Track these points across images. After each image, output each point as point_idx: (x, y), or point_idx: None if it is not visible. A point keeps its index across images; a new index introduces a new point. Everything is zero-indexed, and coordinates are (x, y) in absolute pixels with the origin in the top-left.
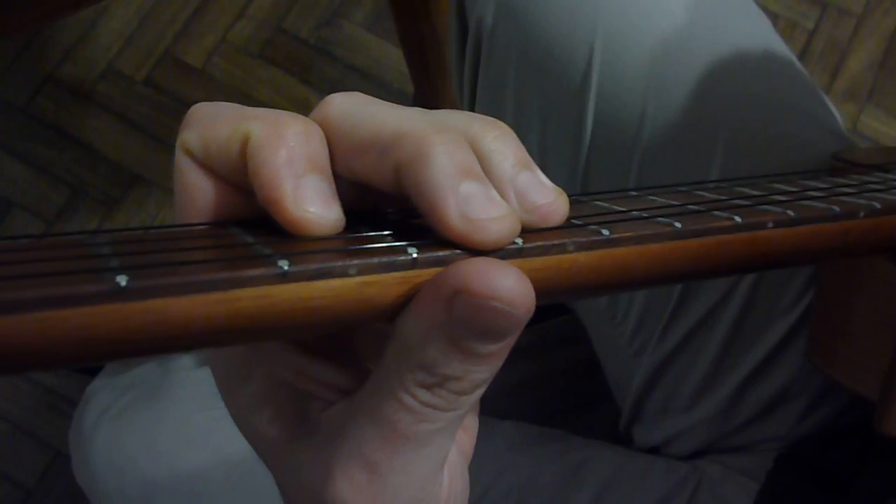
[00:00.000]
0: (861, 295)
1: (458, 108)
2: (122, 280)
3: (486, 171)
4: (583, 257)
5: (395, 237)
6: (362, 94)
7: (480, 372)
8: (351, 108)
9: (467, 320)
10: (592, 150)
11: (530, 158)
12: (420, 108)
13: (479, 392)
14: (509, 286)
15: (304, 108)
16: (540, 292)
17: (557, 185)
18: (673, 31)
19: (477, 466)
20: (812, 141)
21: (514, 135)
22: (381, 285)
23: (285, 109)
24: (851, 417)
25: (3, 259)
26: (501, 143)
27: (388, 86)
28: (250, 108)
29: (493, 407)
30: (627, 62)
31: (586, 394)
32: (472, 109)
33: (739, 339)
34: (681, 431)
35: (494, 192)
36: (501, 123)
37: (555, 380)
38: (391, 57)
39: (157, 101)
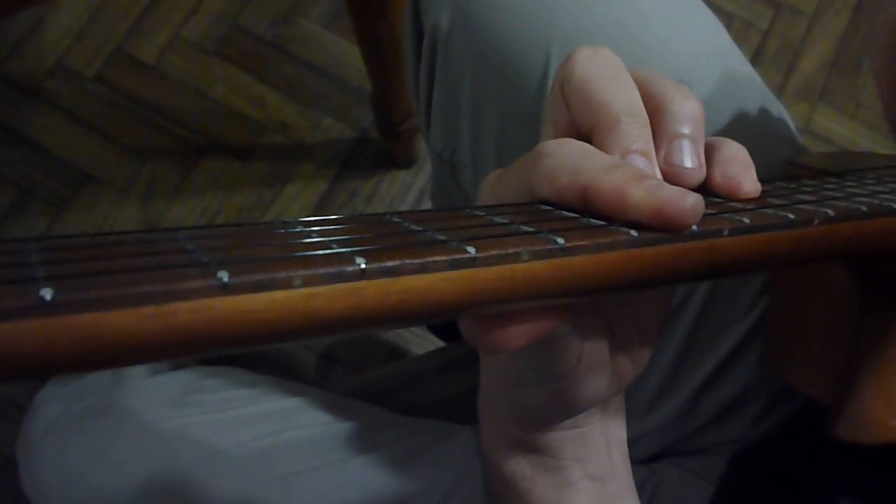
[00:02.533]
0: (815, 300)
1: (413, 110)
2: (47, 293)
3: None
4: (538, 266)
5: (343, 244)
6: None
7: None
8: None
9: None
10: None
11: (702, 137)
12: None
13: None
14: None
15: (261, 107)
16: (494, 302)
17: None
18: (628, 40)
19: (436, 473)
20: (766, 144)
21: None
22: (327, 297)
23: (242, 107)
24: (806, 419)
25: None
26: (683, 110)
27: (346, 84)
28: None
29: (450, 412)
30: None
31: None
32: (427, 113)
33: (696, 345)
34: (639, 436)
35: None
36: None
37: None
38: (349, 55)
39: (108, 99)
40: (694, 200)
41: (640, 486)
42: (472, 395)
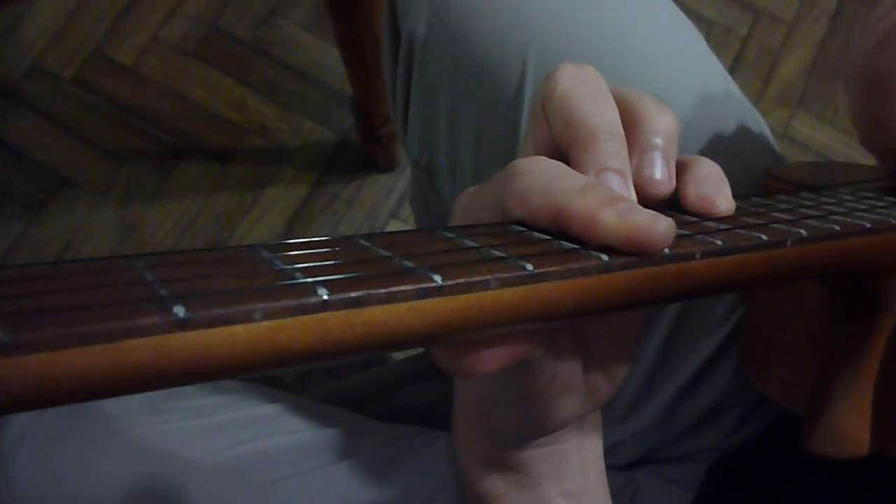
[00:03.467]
0: (790, 312)
1: (391, 114)
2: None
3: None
4: (507, 294)
5: (306, 273)
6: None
7: None
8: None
9: None
10: None
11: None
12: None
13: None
14: None
15: (241, 110)
16: (462, 331)
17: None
18: (604, 50)
19: (416, 480)
20: (743, 153)
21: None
22: (290, 331)
23: (222, 110)
24: (783, 427)
25: None
26: (657, 120)
27: (327, 87)
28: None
29: (431, 419)
30: None
31: None
32: (405, 117)
33: (673, 352)
34: (616, 443)
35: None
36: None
37: None
38: (330, 57)
39: (85, 101)
40: (665, 226)
41: (618, 494)
42: (451, 402)
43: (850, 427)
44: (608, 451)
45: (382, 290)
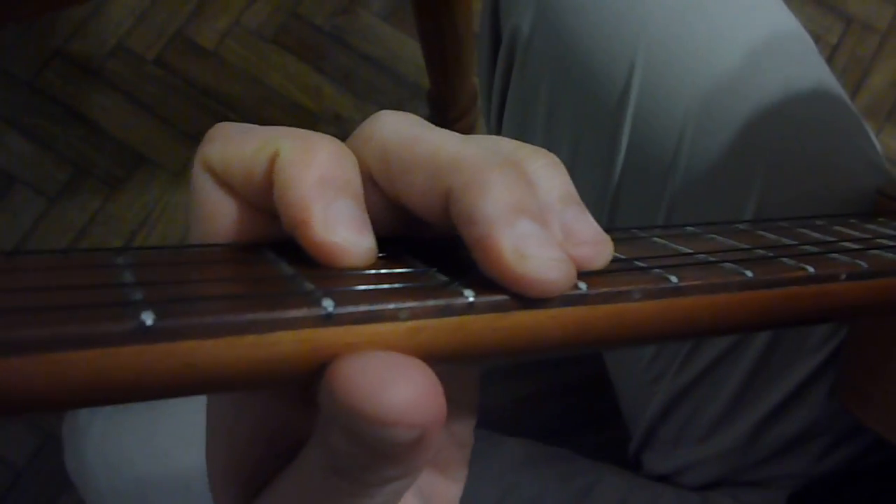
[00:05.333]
0: None
1: (477, 109)
2: (148, 318)
3: None
4: (648, 306)
5: (446, 272)
6: (414, 115)
7: (390, 471)
8: (405, 126)
9: (356, 436)
10: (625, 172)
11: (578, 195)
12: (473, 136)
13: (403, 483)
14: (403, 401)
15: (316, 97)
16: (596, 341)
17: (585, 202)
18: (720, 58)
19: (483, 485)
20: (855, 172)
21: (563, 167)
22: (433, 331)
23: (297, 97)
24: (874, 458)
25: (13, 283)
26: (550, 172)
27: (402, 78)
28: (279, 127)
29: (497, 421)
30: (669, 83)
31: (595, 414)
32: (499, 117)
33: (762, 376)
34: (694, 462)
35: (553, 237)
36: (551, 154)
37: (563, 396)
38: (407, 49)
39: (166, 82)
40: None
41: None
42: (518, 403)
43: None
44: (684, 471)
45: (517, 298)
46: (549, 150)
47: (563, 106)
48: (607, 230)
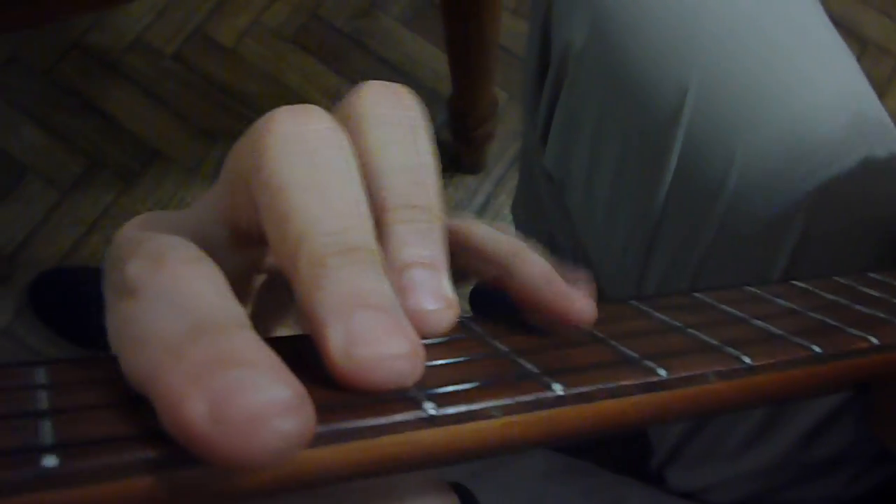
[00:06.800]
0: None
1: (496, 118)
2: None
3: (386, 253)
4: (723, 387)
5: (520, 354)
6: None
7: None
8: (300, 159)
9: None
10: (671, 194)
11: (443, 259)
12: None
13: None
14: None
15: (334, 99)
16: (669, 420)
17: (625, 225)
18: (772, 81)
19: (504, 498)
20: None
21: (440, 223)
22: (524, 425)
23: (315, 98)
24: None
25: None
26: (413, 228)
27: (420, 83)
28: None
29: None
30: (723, 107)
31: None
32: (545, 131)
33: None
34: (722, 481)
35: (399, 320)
36: (433, 204)
37: None
38: (425, 54)
39: (184, 78)
40: (280, 430)
41: None
42: None
43: None
44: (711, 488)
45: (612, 385)
46: (594, 166)
47: (611, 123)
48: (672, 294)
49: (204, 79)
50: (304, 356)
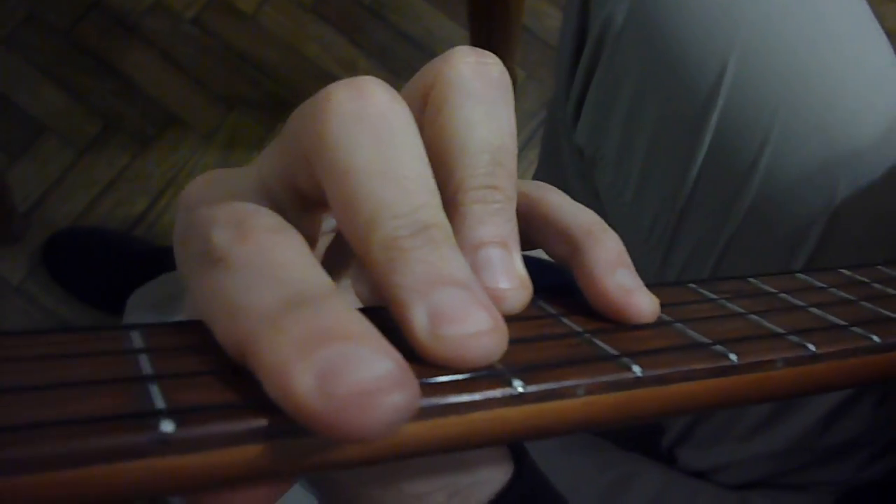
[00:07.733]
0: None
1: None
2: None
3: (457, 233)
4: (789, 374)
5: (600, 338)
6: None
7: None
8: (371, 145)
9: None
10: (702, 174)
11: (516, 238)
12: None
13: None
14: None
15: (351, 70)
16: (735, 404)
17: (654, 205)
18: (815, 62)
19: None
20: None
21: (513, 203)
22: (604, 405)
23: (332, 68)
24: None
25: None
26: (488, 209)
27: None
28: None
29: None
30: (759, 89)
31: None
32: (579, 108)
33: None
34: (733, 462)
35: (479, 296)
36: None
37: None
38: (445, 30)
39: (202, 43)
40: (391, 405)
41: None
42: None
43: None
44: (722, 468)
45: (685, 368)
46: (626, 144)
47: (646, 101)
48: (729, 278)
49: (222, 44)
50: (387, 329)
